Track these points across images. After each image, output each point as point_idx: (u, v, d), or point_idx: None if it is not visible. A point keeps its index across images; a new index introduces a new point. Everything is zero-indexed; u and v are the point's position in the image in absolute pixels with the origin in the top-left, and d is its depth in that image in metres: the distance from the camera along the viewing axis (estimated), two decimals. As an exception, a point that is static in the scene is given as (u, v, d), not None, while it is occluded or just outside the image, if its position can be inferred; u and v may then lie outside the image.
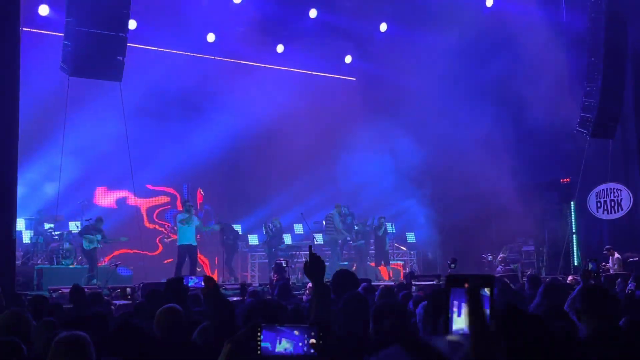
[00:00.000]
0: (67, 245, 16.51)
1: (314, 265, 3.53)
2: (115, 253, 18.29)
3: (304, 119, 19.50)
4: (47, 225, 17.14)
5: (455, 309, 1.61)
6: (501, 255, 18.85)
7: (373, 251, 19.61)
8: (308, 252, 3.55)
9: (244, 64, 20.53)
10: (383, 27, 20.72)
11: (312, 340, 2.61)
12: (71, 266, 16.28)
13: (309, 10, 19.81)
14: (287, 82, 20.33)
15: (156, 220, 20.48)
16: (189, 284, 6.56)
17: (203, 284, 5.93)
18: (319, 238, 19.90)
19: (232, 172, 20.69)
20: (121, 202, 19.68)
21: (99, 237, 16.26)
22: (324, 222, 19.70)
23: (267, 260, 18.75)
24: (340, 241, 19.38)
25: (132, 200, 17.95)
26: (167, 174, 19.74)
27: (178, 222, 16.72)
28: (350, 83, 22.32)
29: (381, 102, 21.00)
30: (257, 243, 19.92)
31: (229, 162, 20.44)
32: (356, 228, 19.40)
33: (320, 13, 19.88)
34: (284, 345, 2.64)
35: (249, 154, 20.72)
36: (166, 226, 20.13)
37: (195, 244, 16.69)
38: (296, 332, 2.66)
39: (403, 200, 20.52)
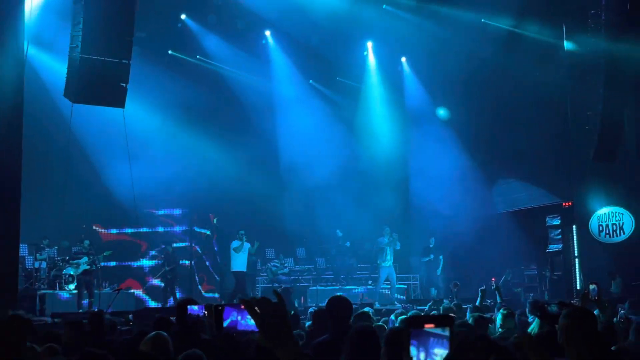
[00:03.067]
0: (70, 271, 16.54)
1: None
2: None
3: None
4: (49, 251, 17.19)
5: (417, 351, 1.59)
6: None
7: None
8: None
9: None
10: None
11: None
12: (74, 291, 16.28)
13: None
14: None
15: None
16: (191, 312, 6.56)
17: (205, 312, 5.99)
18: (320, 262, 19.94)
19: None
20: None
21: (85, 259, 16.27)
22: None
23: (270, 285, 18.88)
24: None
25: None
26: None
27: (232, 249, 17.41)
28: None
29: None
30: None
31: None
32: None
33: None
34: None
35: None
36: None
37: (245, 269, 17.45)
38: None
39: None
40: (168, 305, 17.02)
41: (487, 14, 18.77)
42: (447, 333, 1.58)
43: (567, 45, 18.58)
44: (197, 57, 20.00)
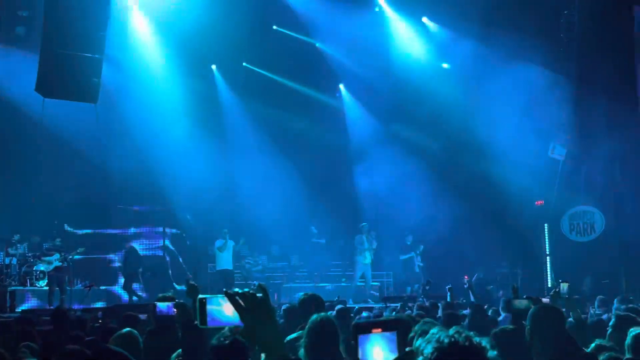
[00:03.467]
0: (41, 267, 16.37)
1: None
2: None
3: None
4: (19, 247, 16.99)
5: (362, 353, 1.58)
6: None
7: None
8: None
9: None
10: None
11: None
12: (45, 288, 16.11)
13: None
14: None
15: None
16: (160, 310, 6.52)
17: (174, 309, 5.95)
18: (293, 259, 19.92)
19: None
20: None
21: (57, 255, 16.12)
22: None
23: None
24: None
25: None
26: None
27: (216, 248, 17.40)
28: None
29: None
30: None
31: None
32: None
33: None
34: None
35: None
36: None
37: (231, 267, 17.51)
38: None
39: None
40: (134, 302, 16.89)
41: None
42: (394, 337, 1.56)
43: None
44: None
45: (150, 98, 18.59)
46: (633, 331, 5.08)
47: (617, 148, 18.85)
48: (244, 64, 20.67)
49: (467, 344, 1.86)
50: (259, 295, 2.45)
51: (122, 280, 18.46)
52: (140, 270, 18.05)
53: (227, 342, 4.04)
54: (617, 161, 19.08)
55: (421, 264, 19.51)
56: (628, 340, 5.01)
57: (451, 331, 1.90)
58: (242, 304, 2.41)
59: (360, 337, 1.60)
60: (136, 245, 19.09)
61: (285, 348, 2.46)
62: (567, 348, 4.32)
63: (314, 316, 4.69)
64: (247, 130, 20.68)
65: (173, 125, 18.81)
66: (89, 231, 19.52)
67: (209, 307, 2.60)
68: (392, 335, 1.57)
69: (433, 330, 1.88)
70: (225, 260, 17.41)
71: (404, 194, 19.74)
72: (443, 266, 19.25)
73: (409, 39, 20.26)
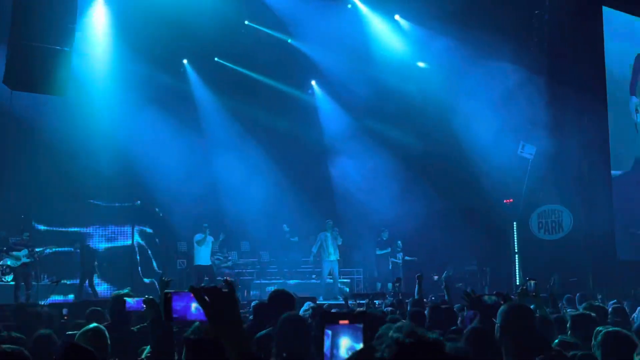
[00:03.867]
0: (8, 262, 16.14)
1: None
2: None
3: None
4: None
5: (329, 342, 1.56)
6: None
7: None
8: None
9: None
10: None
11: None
12: (11, 283, 15.90)
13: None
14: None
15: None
16: (130, 306, 6.48)
17: (143, 305, 5.91)
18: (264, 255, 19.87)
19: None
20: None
21: (25, 251, 15.93)
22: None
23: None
24: None
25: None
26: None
27: (195, 242, 17.25)
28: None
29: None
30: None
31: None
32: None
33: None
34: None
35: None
36: None
37: (210, 263, 17.43)
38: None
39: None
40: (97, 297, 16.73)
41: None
42: (361, 329, 1.62)
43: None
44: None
45: (121, 92, 18.38)
46: (602, 329, 5.13)
47: (587, 146, 19.12)
48: (215, 58, 20.56)
49: (408, 341, 1.85)
50: (224, 291, 2.45)
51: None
52: (96, 263, 17.88)
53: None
54: (586, 159, 19.34)
55: (407, 259, 19.67)
56: (599, 338, 5.06)
57: (396, 332, 1.88)
58: (207, 299, 2.41)
59: (327, 328, 1.59)
60: (104, 239, 18.89)
61: (254, 345, 2.44)
62: (537, 345, 4.35)
63: (285, 314, 4.68)
64: (219, 125, 20.56)
65: (145, 119, 18.60)
66: (57, 227, 19.28)
67: (174, 302, 2.58)
68: (358, 327, 1.56)
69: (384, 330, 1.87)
70: (203, 256, 17.31)
71: (376, 190, 19.80)
72: (413, 263, 19.38)
73: (382, 36, 20.32)
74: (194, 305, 2.51)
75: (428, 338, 1.87)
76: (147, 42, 18.36)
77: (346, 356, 1.57)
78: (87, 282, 17.44)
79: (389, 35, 20.33)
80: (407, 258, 19.73)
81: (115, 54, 18.43)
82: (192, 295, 2.48)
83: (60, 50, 13.04)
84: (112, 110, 18.33)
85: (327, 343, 1.58)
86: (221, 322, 2.36)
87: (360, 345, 1.54)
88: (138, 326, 6.68)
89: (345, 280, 19.46)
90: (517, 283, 18.79)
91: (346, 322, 1.57)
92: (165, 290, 2.63)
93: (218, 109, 20.56)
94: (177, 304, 2.59)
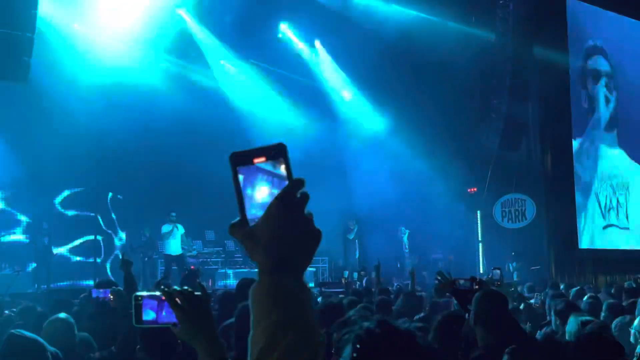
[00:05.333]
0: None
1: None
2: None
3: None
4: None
5: (246, 186, 1.32)
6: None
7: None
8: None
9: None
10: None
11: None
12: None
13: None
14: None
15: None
16: (97, 296, 6.43)
17: (110, 296, 5.87)
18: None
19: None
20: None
21: None
22: None
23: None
24: None
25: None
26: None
27: (162, 233, 17.14)
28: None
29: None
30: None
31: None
32: None
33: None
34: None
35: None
36: None
37: (180, 252, 17.24)
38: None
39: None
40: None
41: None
42: (283, 168, 1.29)
43: (476, 32, 19.01)
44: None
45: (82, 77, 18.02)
46: (580, 317, 5.21)
47: (549, 136, 19.36)
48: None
49: (379, 331, 1.84)
50: (197, 293, 2.42)
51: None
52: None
53: None
54: (548, 150, 19.59)
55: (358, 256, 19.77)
56: (575, 327, 5.14)
57: (371, 323, 1.86)
58: (180, 302, 2.38)
59: (240, 169, 1.31)
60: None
61: (220, 334, 2.42)
62: (511, 332, 4.40)
63: (242, 303, 4.66)
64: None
65: (106, 104, 18.22)
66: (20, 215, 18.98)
67: (144, 305, 2.53)
68: (279, 162, 1.30)
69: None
70: (174, 245, 17.18)
71: (340, 178, 19.76)
72: (378, 252, 19.41)
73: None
74: (165, 308, 2.48)
75: (400, 328, 1.86)
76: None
77: (268, 187, 1.29)
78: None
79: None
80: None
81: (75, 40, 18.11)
82: (163, 297, 2.48)
83: (21, 36, 12.79)
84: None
85: (245, 194, 1.29)
86: (192, 326, 2.35)
87: (284, 178, 1.27)
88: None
89: (311, 269, 19.43)
90: (481, 271, 19.00)
91: (263, 159, 1.30)
92: (137, 293, 2.58)
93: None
94: (148, 306, 2.55)
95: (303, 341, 1.19)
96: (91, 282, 15.16)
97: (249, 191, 1.32)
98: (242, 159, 1.32)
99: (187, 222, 18.72)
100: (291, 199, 1.27)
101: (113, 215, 20.11)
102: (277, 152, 1.31)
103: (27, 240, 18.12)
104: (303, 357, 1.19)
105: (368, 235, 20.05)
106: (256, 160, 1.31)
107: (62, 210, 19.24)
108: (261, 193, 1.32)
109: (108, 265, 19.03)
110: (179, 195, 19.15)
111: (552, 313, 6.75)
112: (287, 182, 1.29)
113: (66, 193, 19.28)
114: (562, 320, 6.26)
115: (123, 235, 19.86)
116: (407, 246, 19.60)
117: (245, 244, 1.30)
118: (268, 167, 1.31)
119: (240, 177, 1.32)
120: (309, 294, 1.27)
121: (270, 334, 1.20)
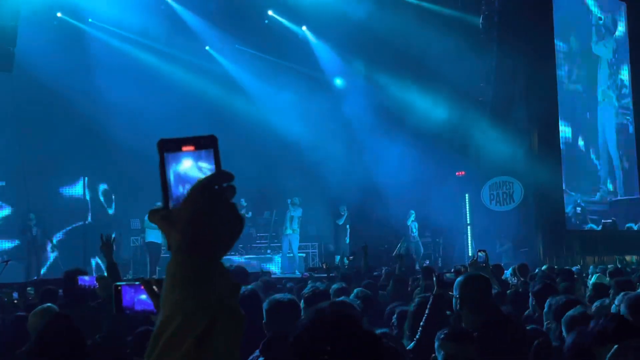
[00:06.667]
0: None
1: None
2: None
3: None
4: None
5: (172, 175, 1.32)
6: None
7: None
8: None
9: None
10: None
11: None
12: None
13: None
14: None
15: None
16: (83, 282, 6.44)
17: (96, 283, 5.88)
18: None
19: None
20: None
21: None
22: None
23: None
24: None
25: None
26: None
27: (145, 221, 17.02)
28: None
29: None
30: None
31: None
32: None
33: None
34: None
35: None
36: None
37: (160, 241, 17.01)
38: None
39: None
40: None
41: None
42: (211, 159, 1.31)
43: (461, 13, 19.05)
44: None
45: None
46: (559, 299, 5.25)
47: (534, 118, 19.43)
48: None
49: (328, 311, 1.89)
50: None
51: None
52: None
53: None
54: (535, 132, 19.66)
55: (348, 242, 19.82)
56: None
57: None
58: (157, 291, 2.40)
59: (168, 156, 1.32)
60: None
61: None
62: (495, 316, 4.43)
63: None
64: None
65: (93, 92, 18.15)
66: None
67: (124, 293, 2.56)
68: (208, 153, 1.31)
69: None
70: (155, 233, 17.19)
71: (328, 163, 19.77)
72: (366, 236, 19.45)
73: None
74: (143, 296, 2.50)
75: (344, 312, 1.92)
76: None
77: (194, 176, 1.30)
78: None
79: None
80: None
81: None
82: (142, 286, 2.49)
83: (5, 26, 12.74)
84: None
85: (170, 178, 1.30)
86: None
87: (211, 169, 1.29)
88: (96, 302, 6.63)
89: (301, 254, 19.49)
90: (470, 254, 19.10)
91: (191, 147, 1.31)
92: (116, 283, 2.61)
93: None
94: (127, 295, 2.57)
95: (188, 327, 1.19)
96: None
97: (173, 178, 1.33)
98: (171, 146, 1.32)
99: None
100: (210, 186, 1.28)
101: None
102: (207, 143, 1.32)
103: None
104: (186, 343, 1.19)
105: (358, 220, 20.10)
106: (185, 148, 1.32)
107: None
108: (186, 181, 1.32)
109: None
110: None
111: (530, 295, 6.83)
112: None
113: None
114: (538, 302, 6.32)
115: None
116: (413, 229, 19.52)
117: (162, 225, 1.31)
118: (195, 156, 1.32)
119: (167, 164, 1.32)
120: (220, 277, 1.27)
121: (165, 316, 1.22)
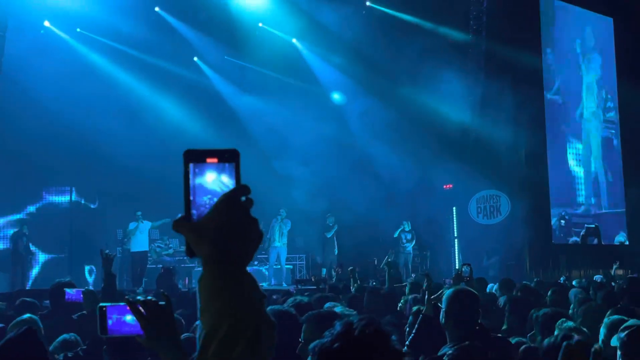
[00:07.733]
0: None
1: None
2: None
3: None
4: None
5: (199, 191, 1.39)
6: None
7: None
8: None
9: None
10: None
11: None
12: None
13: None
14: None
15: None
16: (69, 297, 6.42)
17: (82, 296, 5.86)
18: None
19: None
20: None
21: None
22: None
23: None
24: None
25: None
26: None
27: (128, 231, 17.18)
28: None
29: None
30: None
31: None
32: None
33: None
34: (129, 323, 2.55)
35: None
36: None
37: (147, 248, 17.35)
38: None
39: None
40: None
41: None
42: (233, 172, 1.39)
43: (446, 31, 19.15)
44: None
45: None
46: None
47: (523, 134, 19.50)
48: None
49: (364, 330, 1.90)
50: (161, 303, 2.42)
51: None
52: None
53: None
54: (522, 146, 19.73)
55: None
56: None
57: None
58: (144, 312, 2.40)
59: (192, 167, 1.38)
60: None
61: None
62: (480, 331, 4.42)
63: None
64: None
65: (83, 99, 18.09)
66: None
67: (109, 315, 2.53)
68: (230, 166, 1.39)
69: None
70: (139, 242, 17.19)
71: (320, 175, 19.76)
72: (354, 248, 19.45)
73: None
74: (129, 317, 2.48)
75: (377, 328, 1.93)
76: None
77: (216, 188, 1.37)
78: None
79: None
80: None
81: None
82: (127, 307, 2.48)
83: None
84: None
85: (193, 182, 1.37)
86: (157, 335, 2.37)
87: (232, 182, 1.36)
88: (78, 314, 6.61)
89: (288, 266, 19.42)
90: (457, 267, 19.12)
91: (215, 160, 1.39)
92: (100, 304, 2.59)
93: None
94: (112, 316, 2.55)
95: (238, 331, 1.27)
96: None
97: (196, 188, 1.39)
98: (196, 157, 1.38)
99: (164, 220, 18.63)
100: (236, 199, 1.35)
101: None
102: (230, 156, 1.39)
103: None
104: (239, 345, 1.27)
105: (346, 232, 20.05)
106: (209, 160, 1.38)
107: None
108: (209, 192, 1.38)
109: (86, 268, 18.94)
110: (154, 193, 19.02)
111: (506, 309, 6.89)
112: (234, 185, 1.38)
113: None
114: (515, 317, 6.38)
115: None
116: (404, 240, 19.44)
117: (190, 237, 1.38)
118: (219, 168, 1.38)
119: (191, 174, 1.38)
120: (252, 285, 1.34)
121: (211, 323, 1.29)
